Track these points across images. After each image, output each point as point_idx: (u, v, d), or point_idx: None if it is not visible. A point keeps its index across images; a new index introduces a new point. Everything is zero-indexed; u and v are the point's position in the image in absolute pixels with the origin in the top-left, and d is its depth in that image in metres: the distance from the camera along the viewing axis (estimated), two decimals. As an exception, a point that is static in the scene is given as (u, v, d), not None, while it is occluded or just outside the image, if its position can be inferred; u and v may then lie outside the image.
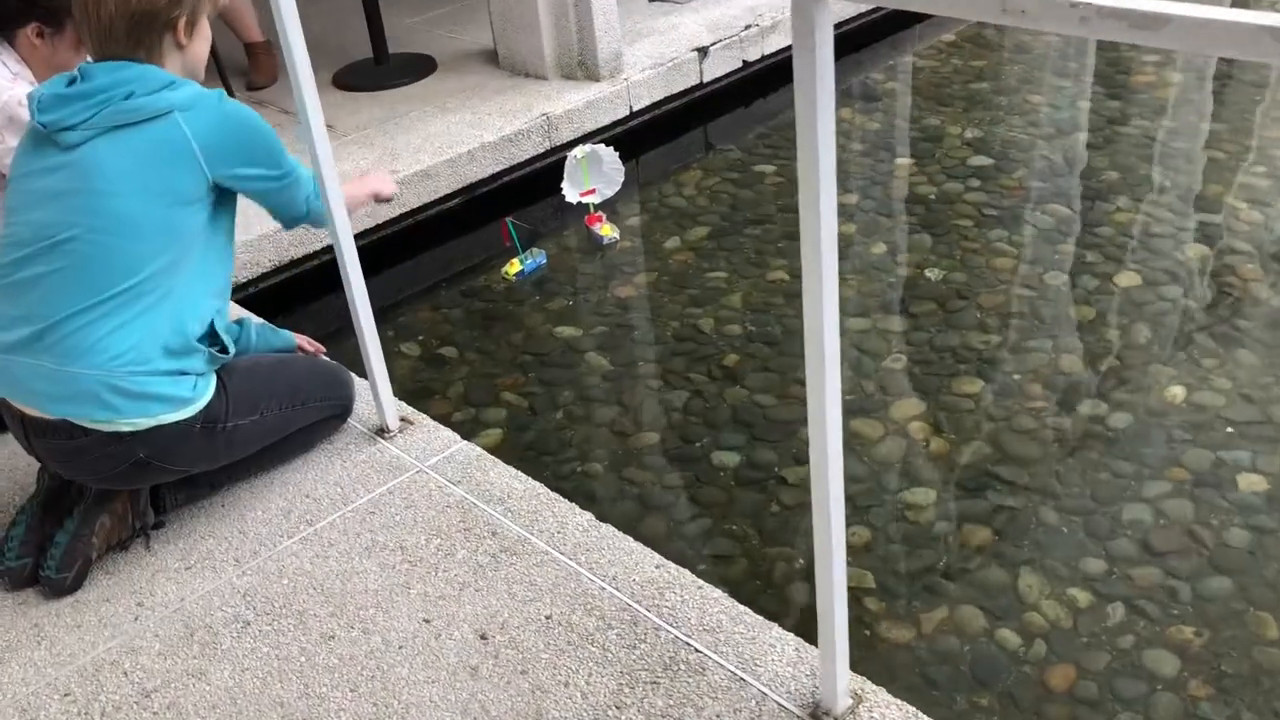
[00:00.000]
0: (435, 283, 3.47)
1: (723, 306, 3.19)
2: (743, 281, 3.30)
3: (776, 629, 1.84)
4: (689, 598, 1.90)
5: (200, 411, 2.00)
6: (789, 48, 1.32)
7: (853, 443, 2.64)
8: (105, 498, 2.06)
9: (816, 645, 1.65)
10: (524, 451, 2.72)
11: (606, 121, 3.96)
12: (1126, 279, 3.14)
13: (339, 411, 2.35)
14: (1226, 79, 4.31)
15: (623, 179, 3.68)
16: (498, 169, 3.71)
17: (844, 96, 4.39)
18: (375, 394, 2.34)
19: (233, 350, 2.08)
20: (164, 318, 1.93)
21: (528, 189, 3.80)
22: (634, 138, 4.07)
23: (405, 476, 2.25)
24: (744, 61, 4.33)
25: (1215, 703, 1.97)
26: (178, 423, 1.97)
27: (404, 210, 3.52)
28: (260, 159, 2.01)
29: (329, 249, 2.33)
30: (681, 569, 1.98)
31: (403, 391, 2.71)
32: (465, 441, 2.35)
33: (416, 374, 3.03)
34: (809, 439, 1.47)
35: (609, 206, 3.68)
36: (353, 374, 2.46)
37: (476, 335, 3.18)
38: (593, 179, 3.64)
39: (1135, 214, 3.46)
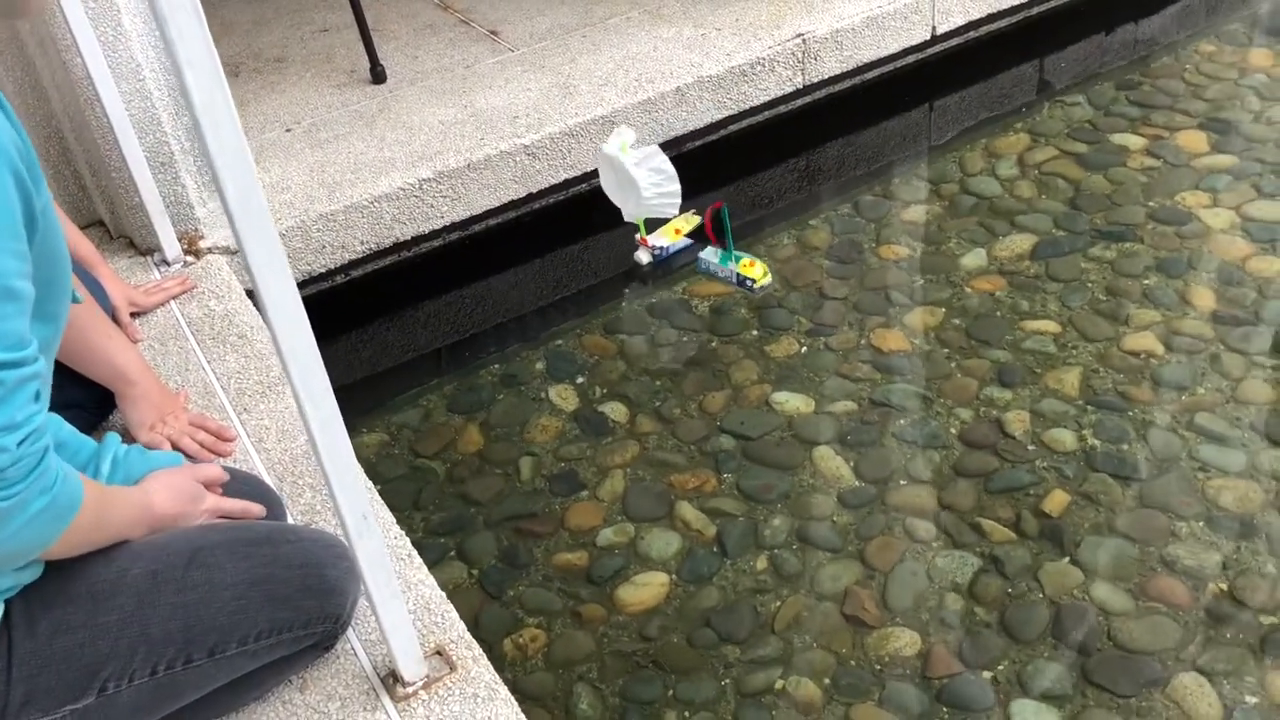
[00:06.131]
0: (612, 289, 2.41)
1: (1048, 391, 1.99)
2: (1085, 346, 2.08)
3: None
4: None
5: None
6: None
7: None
8: None
9: None
10: (693, 628, 1.68)
11: (894, 49, 2.71)
12: None
13: (316, 640, 1.26)
14: None
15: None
16: (720, 115, 2.55)
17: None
18: (372, 602, 1.19)
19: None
20: None
21: (759, 147, 2.64)
22: (933, 74, 2.81)
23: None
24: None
25: None
26: None
27: (562, 178, 2.41)
28: None
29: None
30: None
31: (549, 471, 1.71)
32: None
33: (564, 441, 2.01)
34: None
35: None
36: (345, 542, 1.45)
37: (662, 388, 2.12)
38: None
39: None
